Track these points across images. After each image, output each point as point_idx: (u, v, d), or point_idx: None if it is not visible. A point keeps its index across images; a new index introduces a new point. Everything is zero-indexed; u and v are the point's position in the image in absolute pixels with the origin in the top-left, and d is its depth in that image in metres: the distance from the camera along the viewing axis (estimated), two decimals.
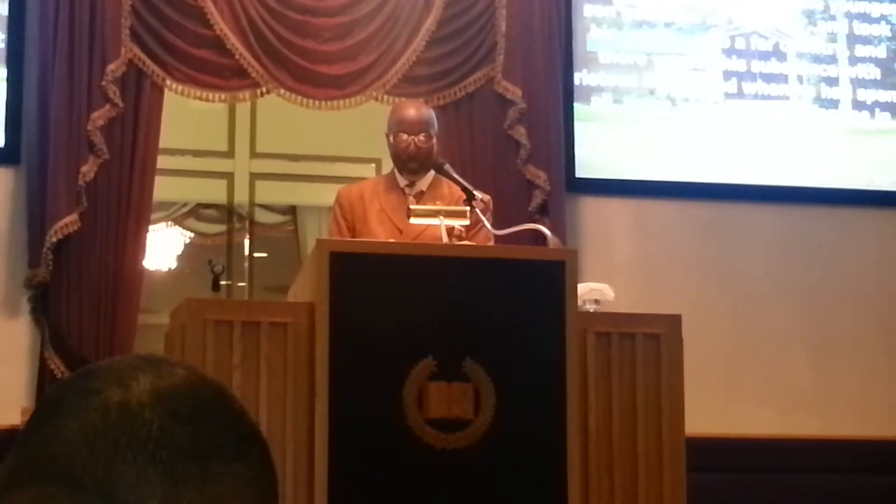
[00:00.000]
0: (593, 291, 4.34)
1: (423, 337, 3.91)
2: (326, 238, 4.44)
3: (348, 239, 4.49)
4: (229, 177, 7.62)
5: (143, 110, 5.90)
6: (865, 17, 6.97)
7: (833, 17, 6.94)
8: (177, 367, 0.96)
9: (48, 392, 0.97)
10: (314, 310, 3.85)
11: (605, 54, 6.64)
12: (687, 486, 4.08)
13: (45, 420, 0.92)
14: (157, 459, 0.88)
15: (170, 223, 8.44)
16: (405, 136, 4.63)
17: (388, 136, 4.72)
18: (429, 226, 4.45)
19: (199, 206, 8.47)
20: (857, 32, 6.95)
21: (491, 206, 4.60)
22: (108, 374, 0.93)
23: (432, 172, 4.71)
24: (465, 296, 3.97)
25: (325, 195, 4.92)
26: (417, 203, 4.55)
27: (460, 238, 4.33)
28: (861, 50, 6.94)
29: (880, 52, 6.96)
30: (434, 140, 4.72)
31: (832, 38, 6.92)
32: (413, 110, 4.76)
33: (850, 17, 6.96)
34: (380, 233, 4.54)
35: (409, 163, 4.65)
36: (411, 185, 4.68)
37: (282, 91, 6.09)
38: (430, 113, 4.81)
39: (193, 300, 4.03)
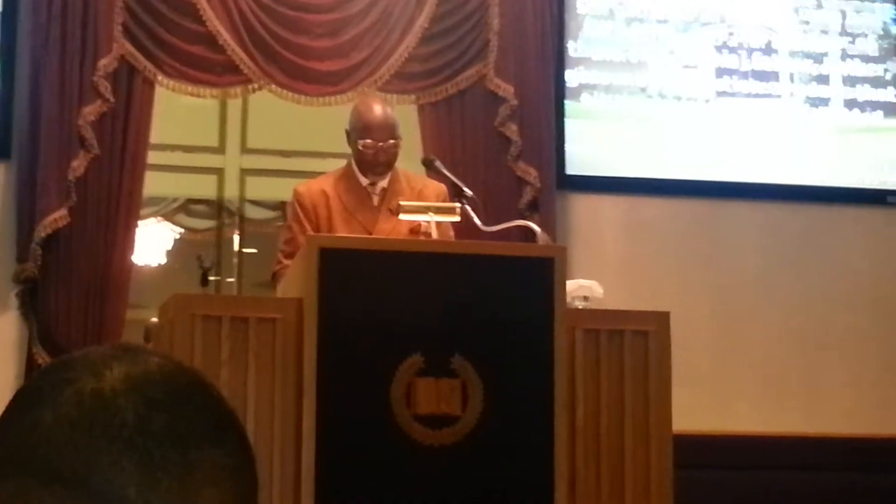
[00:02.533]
0: (582, 288, 4.34)
1: (412, 333, 3.91)
2: (308, 235, 4.40)
3: (337, 235, 4.48)
4: (219, 172, 7.61)
5: (134, 106, 5.90)
6: (857, 16, 6.98)
7: (825, 16, 6.94)
8: (152, 355, 0.95)
9: (23, 384, 0.96)
10: (303, 306, 3.85)
11: (597, 52, 6.64)
12: (674, 483, 4.08)
13: (21, 412, 0.92)
14: (132, 446, 0.88)
15: (159, 219, 8.43)
16: (371, 143, 4.52)
17: (349, 135, 4.60)
18: (397, 225, 4.43)
19: (189, 201, 8.47)
20: (849, 31, 6.95)
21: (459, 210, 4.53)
22: (82, 364, 0.93)
23: (392, 168, 4.65)
24: (454, 292, 3.96)
25: None
26: (381, 201, 4.53)
27: (426, 234, 4.32)
28: (853, 48, 6.95)
29: (872, 49, 6.97)
30: (400, 142, 4.60)
31: (824, 35, 6.92)
32: (379, 114, 4.58)
33: (843, 14, 6.96)
34: (346, 234, 4.48)
35: (377, 167, 4.57)
36: (373, 184, 4.61)
37: (273, 87, 6.09)
38: (394, 114, 4.67)
39: (182, 295, 4.03)
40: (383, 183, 4.60)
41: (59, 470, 0.87)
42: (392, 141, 4.55)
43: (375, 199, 4.57)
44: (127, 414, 0.89)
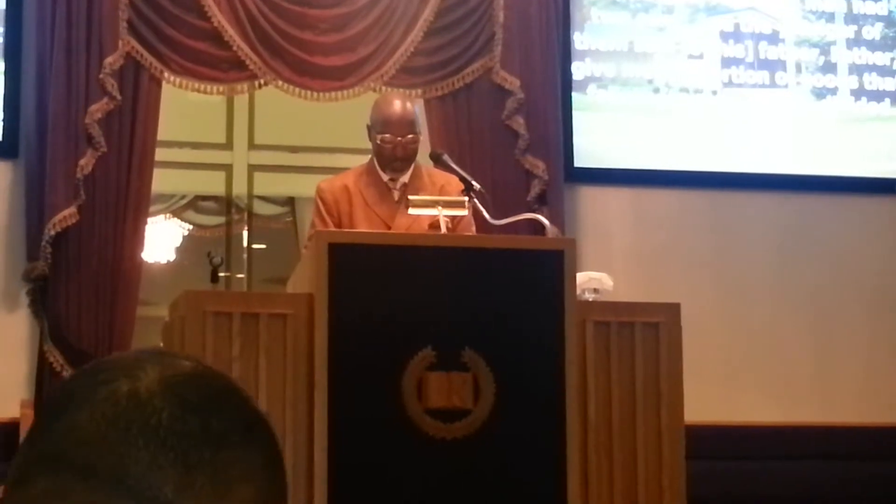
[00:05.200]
0: (592, 281, 4.34)
1: (423, 327, 3.91)
2: (317, 231, 4.42)
3: (346, 230, 4.49)
4: (228, 169, 7.61)
5: (141, 103, 5.90)
6: (863, 4, 6.96)
7: (831, 4, 6.92)
8: (182, 358, 0.97)
9: (54, 389, 0.98)
10: (313, 301, 3.85)
11: (603, 43, 6.64)
12: (686, 474, 4.08)
13: (54, 415, 0.93)
14: (168, 446, 0.89)
15: (168, 215, 8.44)
16: (390, 137, 4.54)
17: (370, 129, 4.62)
18: (416, 220, 4.43)
19: (198, 198, 8.47)
20: (854, 18, 6.93)
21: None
22: (115, 367, 0.95)
23: (412, 164, 4.67)
24: (465, 286, 3.97)
25: None
26: (402, 197, 4.53)
27: (447, 230, 4.32)
28: (859, 36, 6.93)
29: (879, 37, 6.95)
30: (419, 137, 4.65)
31: (830, 24, 6.90)
32: (398, 109, 4.60)
33: (849, 2, 6.94)
34: (366, 229, 4.49)
35: (395, 163, 4.58)
36: (394, 179, 4.62)
37: (280, 83, 6.09)
38: (414, 110, 4.68)
39: (192, 292, 4.04)
40: (404, 178, 4.61)
41: (94, 467, 0.89)
42: (411, 136, 4.57)
43: (396, 195, 4.57)
44: (163, 414, 0.91)
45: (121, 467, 0.88)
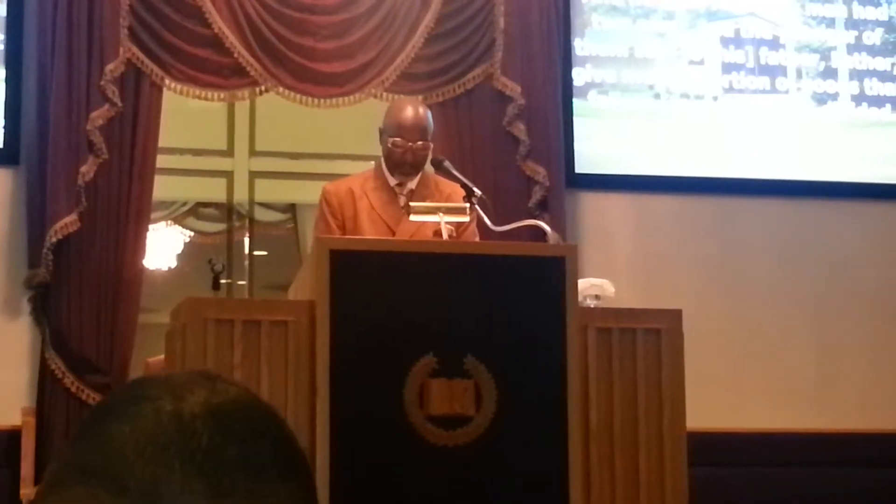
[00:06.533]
0: (594, 287, 4.33)
1: (424, 334, 3.91)
2: (320, 236, 4.42)
3: (348, 236, 4.48)
4: (229, 175, 7.60)
5: (142, 110, 5.90)
6: (863, 9, 6.96)
7: (831, 9, 6.92)
8: (231, 385, 0.97)
9: (102, 398, 0.98)
10: (315, 308, 3.85)
11: (604, 49, 6.64)
12: (689, 481, 4.08)
13: (96, 423, 0.93)
14: (203, 471, 0.89)
15: (169, 222, 8.43)
16: (401, 142, 4.55)
17: (382, 133, 4.64)
18: (421, 226, 4.43)
19: (199, 204, 8.47)
20: (855, 24, 6.94)
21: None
22: (162, 385, 0.95)
23: (421, 171, 4.67)
24: (466, 292, 3.96)
25: None
26: (407, 203, 4.53)
27: (451, 237, 4.32)
28: (859, 42, 6.93)
29: (881, 43, 6.95)
30: (430, 144, 4.66)
31: (830, 29, 6.90)
32: (411, 115, 4.62)
33: (849, 8, 6.94)
34: (371, 233, 4.50)
35: (404, 167, 4.59)
36: (401, 184, 4.63)
37: (281, 89, 6.09)
38: (428, 116, 4.70)
39: (194, 299, 4.03)
40: (411, 185, 4.62)
41: (127, 482, 0.89)
42: (421, 143, 4.58)
43: (402, 200, 4.57)
44: (202, 438, 0.90)
45: (152, 486, 0.88)
